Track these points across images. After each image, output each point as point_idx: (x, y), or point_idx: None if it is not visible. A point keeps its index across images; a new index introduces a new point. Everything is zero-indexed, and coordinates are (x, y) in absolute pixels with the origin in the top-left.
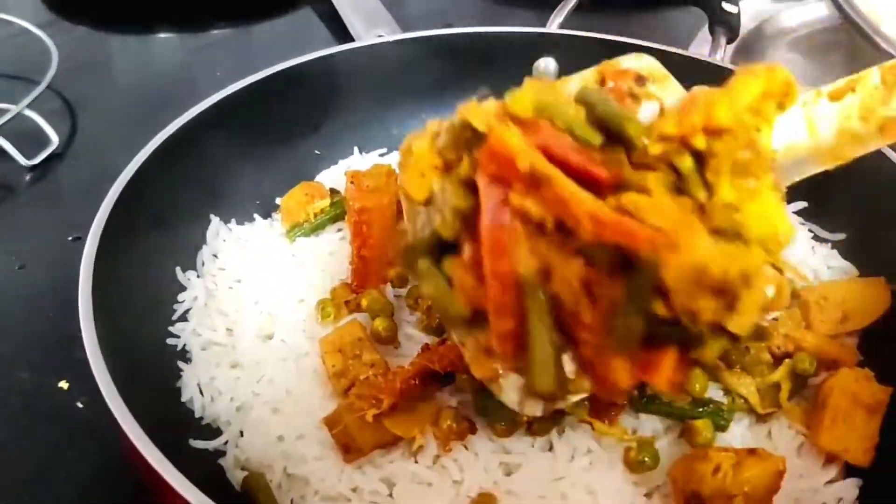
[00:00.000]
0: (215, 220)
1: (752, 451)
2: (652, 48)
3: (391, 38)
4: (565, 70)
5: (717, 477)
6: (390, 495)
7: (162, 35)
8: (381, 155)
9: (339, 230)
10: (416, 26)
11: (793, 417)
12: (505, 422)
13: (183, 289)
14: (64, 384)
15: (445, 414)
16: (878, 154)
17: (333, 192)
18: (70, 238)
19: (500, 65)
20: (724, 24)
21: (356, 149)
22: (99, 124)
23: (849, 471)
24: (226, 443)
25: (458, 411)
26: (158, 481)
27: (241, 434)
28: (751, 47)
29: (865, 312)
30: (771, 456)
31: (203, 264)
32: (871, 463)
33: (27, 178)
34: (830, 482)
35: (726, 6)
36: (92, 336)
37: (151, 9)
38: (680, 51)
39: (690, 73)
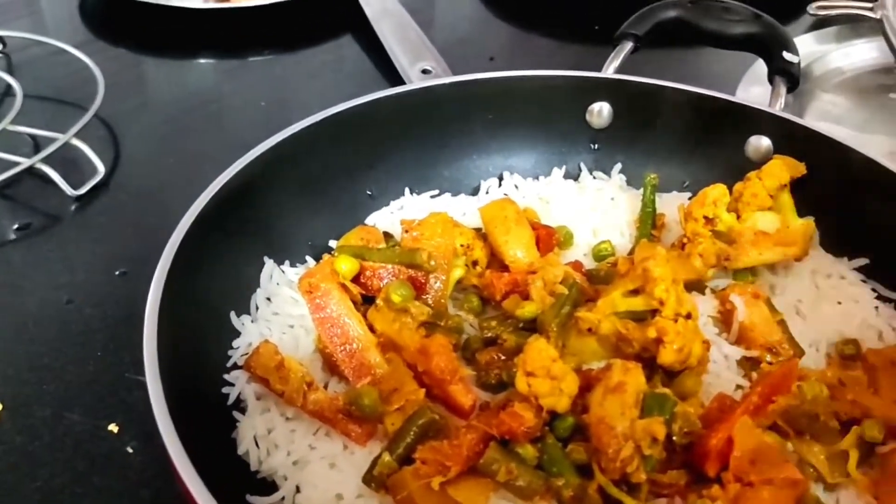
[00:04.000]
0: (269, 263)
1: None
2: (708, 95)
3: (444, 81)
4: (619, 114)
5: None
6: None
7: (202, 60)
8: (433, 196)
9: None
10: (457, 57)
11: (861, 487)
12: (573, 488)
13: (238, 334)
14: (114, 427)
15: None
16: None
17: (387, 236)
18: (117, 272)
19: (552, 108)
20: (785, 74)
21: (407, 190)
22: (143, 152)
23: None
24: (283, 499)
25: None
26: None
27: (298, 490)
28: (799, 88)
29: None
30: None
31: (257, 308)
32: None
33: (73, 208)
34: None
35: (787, 56)
36: (158, 390)
37: (192, 33)
38: (740, 101)
39: (751, 123)
